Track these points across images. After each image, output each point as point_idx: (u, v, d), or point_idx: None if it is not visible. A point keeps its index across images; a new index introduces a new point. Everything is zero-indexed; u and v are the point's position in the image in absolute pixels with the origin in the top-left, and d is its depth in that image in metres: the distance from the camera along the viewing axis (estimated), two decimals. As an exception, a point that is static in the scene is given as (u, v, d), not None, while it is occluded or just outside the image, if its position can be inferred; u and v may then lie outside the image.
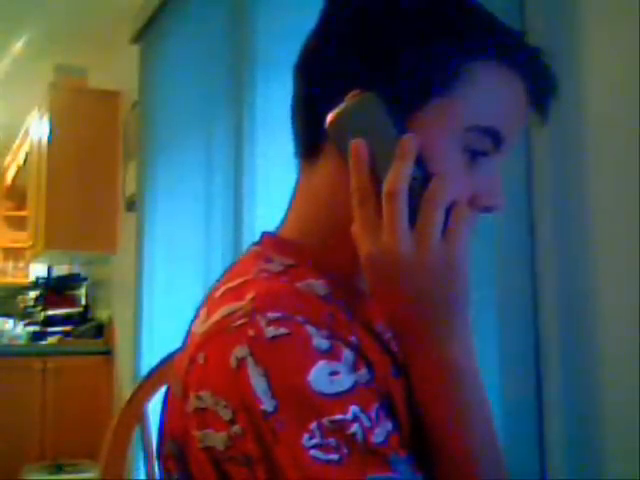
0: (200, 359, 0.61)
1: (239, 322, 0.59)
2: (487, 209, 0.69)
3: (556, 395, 1.14)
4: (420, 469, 0.60)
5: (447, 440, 0.64)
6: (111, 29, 3.47)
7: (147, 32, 3.09)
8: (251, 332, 0.58)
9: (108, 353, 3.85)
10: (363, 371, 0.61)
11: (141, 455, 1.19)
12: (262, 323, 0.58)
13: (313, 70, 0.70)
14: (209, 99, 2.42)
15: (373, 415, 0.58)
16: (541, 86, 0.69)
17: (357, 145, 0.63)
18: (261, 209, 1.99)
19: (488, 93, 0.66)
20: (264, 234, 0.76)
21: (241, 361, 0.57)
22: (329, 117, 0.65)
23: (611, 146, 1.12)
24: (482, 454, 0.65)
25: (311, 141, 0.71)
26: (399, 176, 0.62)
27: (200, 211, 2.46)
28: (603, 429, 1.10)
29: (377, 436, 0.57)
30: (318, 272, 0.69)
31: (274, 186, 1.92)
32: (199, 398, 0.60)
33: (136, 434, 1.15)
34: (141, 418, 1.14)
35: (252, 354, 0.57)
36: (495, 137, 0.66)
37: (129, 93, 3.62)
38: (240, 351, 0.58)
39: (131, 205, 3.45)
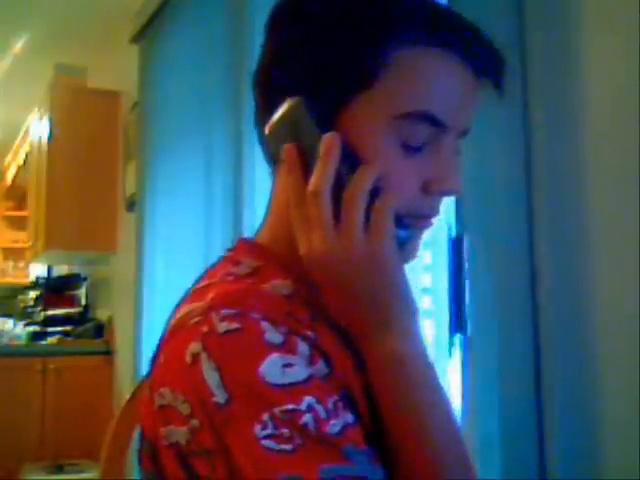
0: (161, 358, 0.64)
1: (194, 320, 0.62)
2: (442, 193, 0.69)
3: (556, 395, 1.14)
4: (382, 463, 0.60)
5: (401, 431, 0.64)
6: (111, 29, 3.47)
7: (147, 32, 3.09)
8: (204, 328, 0.60)
9: (108, 353, 3.85)
10: (320, 365, 0.62)
11: (141, 455, 1.19)
12: (215, 319, 0.60)
13: (257, 84, 0.73)
14: (209, 99, 2.42)
15: (330, 406, 0.59)
16: (482, 62, 0.67)
17: (287, 149, 0.66)
18: (261, 209, 1.99)
19: (413, 78, 0.65)
20: (239, 239, 0.78)
21: (195, 356, 0.59)
22: (266, 128, 0.68)
23: (611, 147, 1.12)
24: (437, 440, 0.64)
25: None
26: (320, 176, 0.63)
27: (200, 211, 2.46)
28: (603, 429, 1.10)
29: (332, 427, 0.57)
30: (286, 273, 0.70)
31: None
32: (161, 395, 0.62)
33: (136, 434, 1.15)
34: (140, 416, 1.14)
35: (205, 349, 0.59)
36: (432, 121, 0.66)
37: (129, 93, 3.62)
38: (194, 347, 0.60)
39: (131, 205, 3.45)
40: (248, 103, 2.05)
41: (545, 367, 1.16)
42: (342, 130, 0.65)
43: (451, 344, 1.36)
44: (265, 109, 0.70)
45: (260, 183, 2.01)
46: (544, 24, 1.21)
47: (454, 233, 1.33)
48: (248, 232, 1.99)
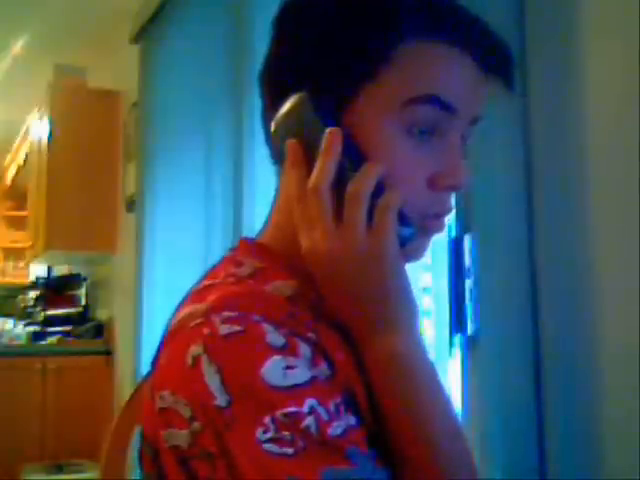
0: (162, 360, 0.64)
1: (195, 322, 0.61)
2: (449, 188, 0.68)
3: (557, 395, 1.14)
4: (384, 463, 0.60)
5: (401, 429, 0.64)
6: (111, 29, 3.47)
7: (147, 32, 3.09)
8: (206, 331, 0.60)
9: (108, 353, 3.85)
10: (322, 366, 0.61)
11: (141, 455, 1.19)
12: (217, 322, 0.59)
13: (263, 83, 0.73)
14: (209, 99, 2.42)
15: (332, 409, 0.58)
16: (488, 56, 0.67)
17: (290, 145, 0.66)
18: (261, 209, 1.99)
19: (418, 68, 0.65)
20: (240, 239, 0.77)
21: (196, 359, 0.59)
22: (272, 125, 0.68)
23: (612, 146, 1.12)
24: (437, 437, 0.64)
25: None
26: (320, 171, 0.63)
27: (200, 211, 2.46)
28: (603, 428, 1.10)
29: (334, 429, 0.57)
30: (289, 273, 0.70)
31: (274, 186, 1.91)
32: (162, 398, 0.61)
33: (136, 434, 1.15)
34: (141, 418, 1.14)
35: (206, 352, 0.59)
36: (439, 103, 0.65)
37: (129, 93, 3.62)
38: (195, 349, 0.59)
39: (131, 205, 3.45)
40: (248, 103, 2.06)
41: (546, 367, 1.16)
42: (347, 126, 0.65)
43: (451, 344, 1.36)
44: (271, 107, 0.70)
45: (260, 183, 2.01)
46: (544, 29, 1.21)
47: (454, 233, 1.32)
48: (248, 232, 1.99)
